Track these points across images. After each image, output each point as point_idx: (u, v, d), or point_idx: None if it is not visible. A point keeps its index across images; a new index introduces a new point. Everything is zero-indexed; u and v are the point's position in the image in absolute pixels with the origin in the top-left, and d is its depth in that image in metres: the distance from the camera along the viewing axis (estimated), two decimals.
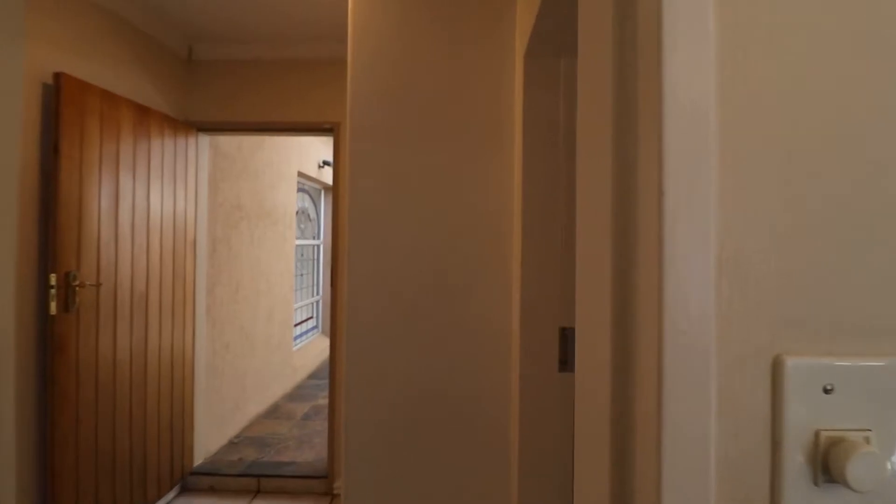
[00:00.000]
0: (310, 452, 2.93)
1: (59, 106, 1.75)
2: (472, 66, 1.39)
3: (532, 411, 1.21)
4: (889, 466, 0.29)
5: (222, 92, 2.58)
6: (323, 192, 5.43)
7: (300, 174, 4.39)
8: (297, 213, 4.31)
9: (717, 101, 0.28)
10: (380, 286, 1.37)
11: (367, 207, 1.38)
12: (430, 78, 1.39)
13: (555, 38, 1.14)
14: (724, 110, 0.29)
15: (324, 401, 3.89)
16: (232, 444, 3.04)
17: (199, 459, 2.70)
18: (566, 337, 1.24)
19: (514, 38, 1.39)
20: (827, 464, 0.29)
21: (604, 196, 0.35)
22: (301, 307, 4.97)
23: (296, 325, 4.65)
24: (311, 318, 5.31)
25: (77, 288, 1.82)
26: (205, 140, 2.71)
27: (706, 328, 0.28)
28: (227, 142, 3.04)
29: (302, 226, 4.95)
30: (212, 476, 2.61)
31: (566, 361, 1.25)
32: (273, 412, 3.65)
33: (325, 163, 4.69)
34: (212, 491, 2.55)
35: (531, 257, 1.22)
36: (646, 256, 0.30)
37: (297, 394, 4.11)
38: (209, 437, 2.84)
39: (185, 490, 2.54)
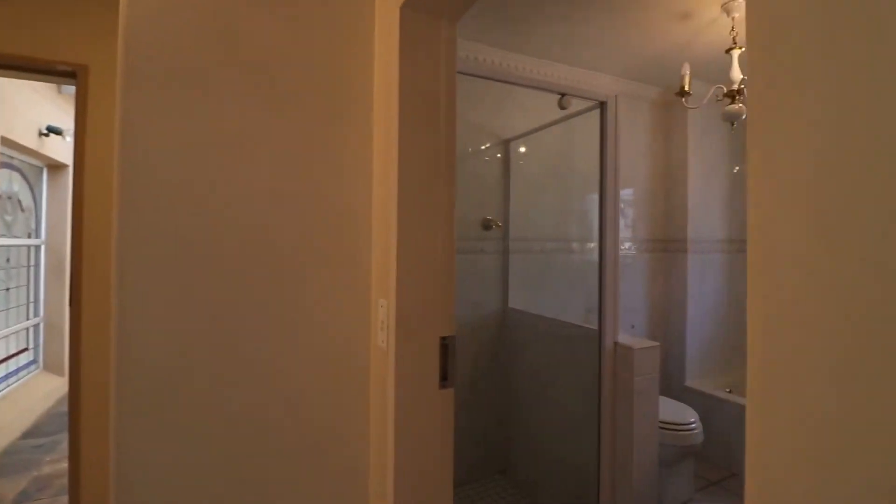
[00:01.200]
0: None
1: None
2: (312, 8, 1.07)
3: (412, 434, 1.00)
4: None
5: None
6: (46, 172, 3.88)
7: (6, 142, 2.99)
8: None
9: None
10: (176, 299, 0.96)
11: (151, 191, 0.93)
12: (252, 18, 1.01)
13: None
14: None
15: (53, 468, 2.73)
16: None
17: None
18: (447, 348, 1.06)
19: None
20: None
21: None
22: (8, 335, 3.43)
23: None
24: (27, 349, 3.73)
25: None
26: None
27: None
28: None
29: (8, 218, 3.42)
30: None
31: (447, 377, 1.07)
32: None
33: (53, 130, 3.35)
34: None
35: (409, 258, 1.00)
36: None
37: (4, 464, 2.79)
38: None
39: None
